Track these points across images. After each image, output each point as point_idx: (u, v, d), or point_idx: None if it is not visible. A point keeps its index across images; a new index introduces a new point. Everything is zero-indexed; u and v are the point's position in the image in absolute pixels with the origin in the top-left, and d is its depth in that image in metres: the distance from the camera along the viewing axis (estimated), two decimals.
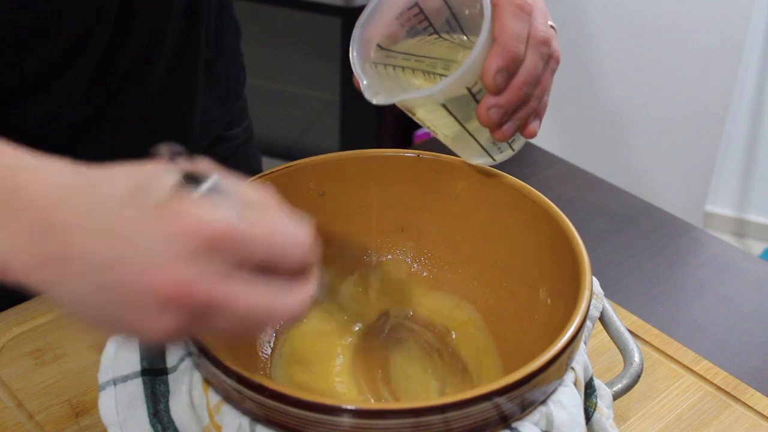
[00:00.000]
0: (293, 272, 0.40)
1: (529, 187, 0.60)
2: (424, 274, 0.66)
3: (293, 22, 1.81)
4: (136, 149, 0.73)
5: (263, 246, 0.39)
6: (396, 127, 1.74)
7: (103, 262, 0.37)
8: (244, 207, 0.39)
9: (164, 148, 0.39)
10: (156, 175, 0.39)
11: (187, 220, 0.37)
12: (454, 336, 0.62)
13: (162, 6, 0.67)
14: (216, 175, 0.39)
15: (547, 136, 2.03)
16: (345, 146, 1.80)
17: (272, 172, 0.61)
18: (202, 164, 0.40)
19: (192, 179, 0.39)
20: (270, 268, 0.39)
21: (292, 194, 0.62)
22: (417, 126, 0.60)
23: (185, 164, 0.39)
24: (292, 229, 0.40)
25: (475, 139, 0.58)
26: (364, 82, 0.56)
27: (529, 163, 0.97)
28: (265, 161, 0.99)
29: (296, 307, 0.40)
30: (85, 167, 0.40)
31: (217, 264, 0.37)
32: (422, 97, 0.54)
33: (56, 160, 0.41)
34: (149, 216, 0.37)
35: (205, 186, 0.39)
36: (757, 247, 2.21)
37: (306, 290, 0.41)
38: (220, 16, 0.78)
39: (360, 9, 0.57)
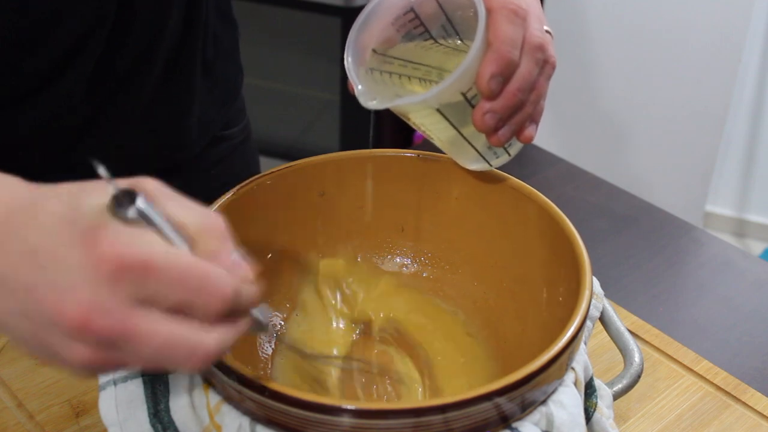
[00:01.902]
0: (213, 314, 0.38)
1: (529, 187, 0.60)
2: (424, 274, 0.66)
3: (293, 22, 1.81)
4: (135, 149, 0.73)
5: (180, 282, 0.37)
6: (396, 127, 1.74)
7: (20, 286, 0.37)
8: (181, 231, 0.38)
9: (101, 168, 0.38)
10: (92, 195, 0.38)
11: (100, 248, 0.36)
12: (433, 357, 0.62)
13: (161, 6, 0.67)
14: (150, 195, 0.38)
15: (547, 136, 2.03)
16: (345, 146, 1.80)
17: (272, 172, 0.61)
18: (145, 182, 0.39)
19: (126, 200, 0.37)
20: (190, 310, 0.38)
21: (292, 194, 0.62)
22: None
23: (127, 183, 0.38)
24: (218, 273, 0.38)
25: (471, 145, 0.58)
26: (359, 87, 0.56)
27: (529, 163, 0.97)
28: (265, 161, 0.99)
29: (223, 341, 0.38)
30: (35, 186, 0.40)
31: (132, 292, 0.36)
32: (417, 103, 0.53)
33: (7, 177, 0.40)
34: (67, 242, 0.37)
35: (131, 211, 0.37)
36: (757, 247, 2.21)
37: (227, 333, 0.39)
38: (218, 16, 0.78)
39: (360, 9, 0.57)
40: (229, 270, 0.39)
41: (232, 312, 0.39)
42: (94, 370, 0.38)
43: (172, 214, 0.38)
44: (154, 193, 0.39)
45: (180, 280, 0.37)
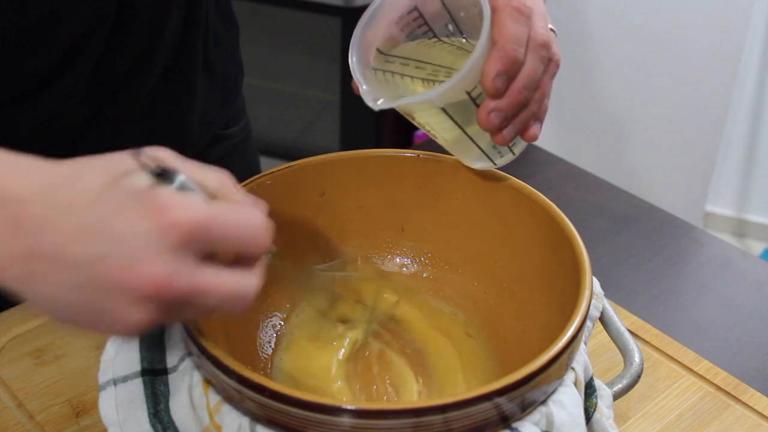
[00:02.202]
0: (255, 257, 0.42)
1: (529, 187, 0.60)
2: (424, 274, 0.66)
3: (293, 22, 1.81)
4: (135, 149, 0.73)
5: (235, 235, 0.40)
6: (396, 127, 1.74)
7: (79, 261, 0.38)
8: (210, 198, 0.41)
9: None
10: (129, 171, 0.39)
11: (168, 214, 0.38)
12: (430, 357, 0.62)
13: (161, 6, 0.67)
14: (182, 172, 0.41)
15: (547, 136, 2.03)
16: (345, 146, 1.80)
17: (272, 172, 0.61)
18: (164, 154, 0.41)
19: (163, 175, 0.40)
20: (236, 255, 0.41)
21: (292, 194, 0.62)
22: (417, 126, 0.60)
23: (152, 158, 0.40)
24: (256, 216, 0.42)
25: (476, 143, 0.58)
26: (364, 87, 0.56)
27: (529, 163, 0.97)
28: (265, 161, 0.99)
29: (254, 289, 0.42)
30: (59, 162, 0.40)
31: (194, 255, 0.39)
32: (422, 102, 0.53)
33: (31, 157, 0.41)
34: (126, 211, 0.38)
35: (177, 181, 0.40)
36: (757, 247, 2.21)
37: (258, 272, 0.43)
38: (218, 16, 0.78)
39: (360, 9, 0.57)
40: (256, 220, 0.42)
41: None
42: (148, 328, 0.40)
43: (196, 180, 0.41)
44: (172, 160, 0.41)
45: (234, 233, 0.40)
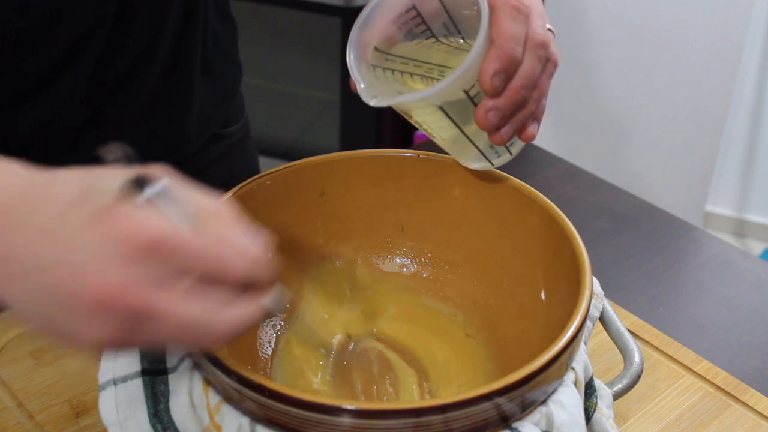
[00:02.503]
0: (237, 287, 0.39)
1: (529, 187, 0.60)
2: (424, 274, 0.66)
3: (293, 22, 1.81)
4: (134, 148, 0.73)
5: (202, 256, 0.38)
6: (396, 127, 1.74)
7: (38, 265, 0.37)
8: (193, 216, 0.39)
9: (112, 151, 0.39)
10: (103, 179, 0.38)
11: (124, 224, 0.37)
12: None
13: (161, 6, 0.67)
14: (164, 181, 0.39)
15: (547, 136, 2.03)
16: (345, 146, 1.80)
17: (272, 172, 0.61)
18: (156, 170, 0.39)
19: (139, 184, 0.38)
20: (213, 282, 0.39)
21: (292, 194, 0.62)
22: (416, 126, 0.60)
23: (136, 169, 0.39)
24: (239, 242, 0.39)
25: (473, 143, 0.58)
26: (362, 85, 0.56)
27: (529, 163, 0.97)
28: (265, 161, 0.99)
29: (233, 322, 0.39)
30: (40, 170, 0.40)
31: (153, 271, 0.37)
32: (419, 100, 0.53)
33: (10, 161, 0.41)
34: (90, 219, 0.37)
35: (150, 191, 0.38)
36: (757, 247, 2.21)
37: (247, 307, 0.40)
38: (217, 15, 0.78)
39: (360, 9, 0.57)
40: (239, 251, 0.39)
41: (244, 291, 0.40)
42: (109, 347, 0.38)
43: (182, 200, 0.39)
44: (163, 177, 0.39)
45: (201, 253, 0.38)
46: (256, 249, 0.40)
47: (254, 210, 0.59)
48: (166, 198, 0.38)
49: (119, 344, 0.38)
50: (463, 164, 0.61)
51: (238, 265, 0.39)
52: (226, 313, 0.39)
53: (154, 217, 0.37)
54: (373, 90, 0.56)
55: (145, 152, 0.80)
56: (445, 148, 0.61)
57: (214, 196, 0.41)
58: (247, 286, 0.40)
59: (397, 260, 0.66)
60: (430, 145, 0.67)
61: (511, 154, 0.60)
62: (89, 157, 0.68)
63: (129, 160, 0.39)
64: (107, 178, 0.38)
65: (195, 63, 0.74)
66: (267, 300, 0.42)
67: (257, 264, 0.40)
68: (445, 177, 0.63)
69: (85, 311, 0.37)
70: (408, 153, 0.64)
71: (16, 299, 0.39)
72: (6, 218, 0.38)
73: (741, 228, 2.25)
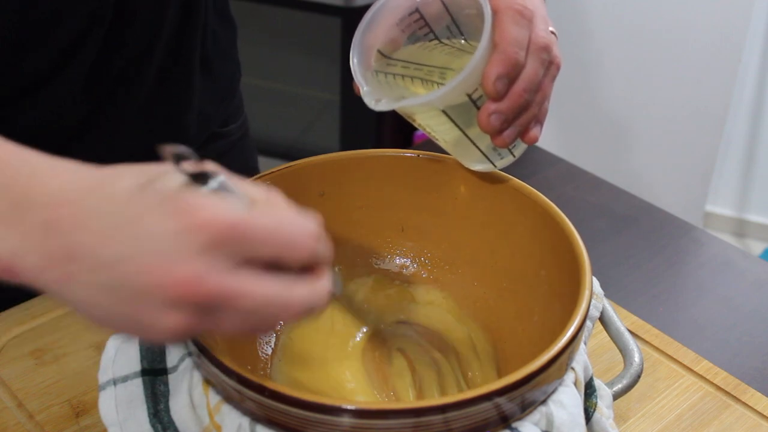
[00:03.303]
0: (303, 266, 0.40)
1: (530, 187, 0.60)
2: (424, 274, 0.66)
3: (293, 22, 1.82)
4: (134, 147, 0.73)
5: (272, 238, 0.39)
6: (396, 127, 1.74)
7: (108, 261, 0.37)
8: (251, 203, 0.39)
9: (169, 149, 0.39)
10: (163, 174, 0.39)
11: (194, 215, 0.37)
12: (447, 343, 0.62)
13: (159, 5, 0.67)
14: (221, 175, 0.39)
15: (547, 136, 2.03)
16: (345, 146, 1.80)
17: (272, 172, 0.61)
18: (208, 165, 0.40)
19: (199, 178, 0.39)
20: (280, 264, 0.39)
21: (292, 194, 0.62)
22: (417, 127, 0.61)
23: (191, 164, 0.39)
24: (301, 222, 0.40)
25: (476, 146, 0.58)
26: (365, 89, 0.56)
27: (529, 163, 0.97)
28: (265, 161, 0.99)
29: (308, 299, 0.40)
30: (95, 167, 0.40)
31: (225, 258, 0.37)
32: (422, 104, 0.53)
33: (64, 160, 0.41)
34: (156, 212, 0.37)
35: (212, 183, 0.39)
36: (757, 247, 2.21)
37: (318, 283, 0.41)
38: (216, 15, 0.78)
39: (360, 9, 0.57)
40: (301, 229, 0.40)
41: (314, 265, 0.41)
42: (185, 335, 0.39)
43: (240, 190, 0.40)
44: (216, 169, 0.40)
45: (270, 237, 0.38)
46: (314, 227, 0.41)
47: None
48: (226, 189, 0.39)
49: (196, 331, 0.39)
50: (466, 166, 0.62)
51: (305, 245, 0.40)
52: (300, 290, 0.40)
53: (221, 205, 0.38)
54: (376, 94, 0.56)
55: (143, 151, 0.80)
56: (448, 150, 0.61)
57: (261, 185, 0.42)
58: (307, 268, 0.41)
59: (397, 260, 0.66)
60: (430, 145, 0.67)
61: (514, 156, 0.60)
62: (88, 157, 0.68)
63: (184, 157, 0.39)
64: (166, 174, 0.39)
65: (194, 62, 0.74)
66: (328, 278, 0.42)
67: (317, 241, 0.41)
68: (445, 177, 0.63)
69: (161, 303, 0.37)
70: (408, 153, 0.64)
71: (85, 296, 0.39)
72: (66, 217, 0.38)
73: (741, 228, 2.25)
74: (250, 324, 0.39)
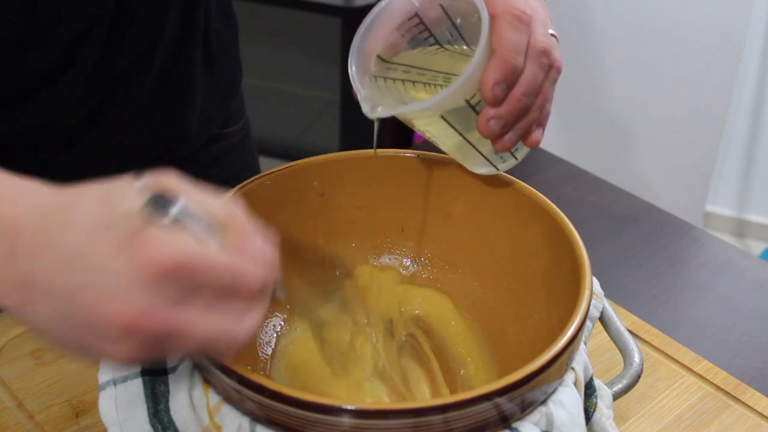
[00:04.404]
0: (252, 296, 0.41)
1: (530, 187, 0.60)
2: (424, 274, 0.66)
3: (293, 22, 1.82)
4: (135, 147, 0.73)
5: (223, 274, 0.39)
6: (396, 127, 1.74)
7: (63, 291, 0.38)
8: (212, 227, 0.39)
9: (131, 177, 0.39)
10: (123, 199, 0.39)
11: (146, 250, 0.37)
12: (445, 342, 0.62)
13: (160, 5, 0.67)
14: (182, 199, 0.39)
15: (547, 136, 2.02)
16: (345, 146, 1.80)
17: (272, 172, 0.61)
18: (169, 179, 0.40)
19: (160, 202, 0.38)
20: (233, 293, 0.40)
21: (292, 194, 0.62)
22: None
23: (153, 184, 0.39)
24: (257, 252, 0.40)
25: (477, 150, 0.58)
26: (363, 95, 0.55)
27: (529, 163, 0.96)
28: (265, 161, 0.99)
29: (253, 327, 0.41)
30: (59, 189, 0.41)
31: (176, 291, 0.38)
32: (420, 110, 0.53)
33: (28, 180, 0.41)
34: (108, 245, 0.38)
35: (173, 210, 0.38)
36: (757, 247, 2.21)
37: (260, 308, 0.41)
38: (219, 14, 0.78)
39: (360, 9, 0.57)
40: (257, 259, 0.41)
41: (258, 294, 0.41)
42: (136, 362, 0.39)
43: (200, 210, 0.40)
44: (178, 188, 0.40)
45: (222, 272, 0.39)
46: (268, 253, 0.41)
47: (254, 210, 0.59)
48: (187, 215, 0.39)
49: (146, 360, 0.39)
50: (469, 169, 0.61)
51: (256, 279, 0.40)
52: (246, 321, 0.41)
53: (178, 238, 0.38)
54: (374, 100, 0.55)
55: (144, 151, 0.80)
56: (451, 154, 0.61)
57: (221, 197, 0.42)
58: (257, 294, 0.41)
59: (397, 260, 0.66)
60: (430, 145, 0.67)
61: (516, 159, 0.60)
62: (89, 157, 0.68)
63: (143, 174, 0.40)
64: (127, 198, 0.39)
65: (195, 62, 0.74)
66: (275, 291, 0.43)
67: (273, 268, 0.41)
68: (445, 177, 0.63)
69: (112, 335, 0.38)
70: (408, 153, 0.64)
71: (41, 322, 0.39)
72: (26, 243, 0.39)
73: (741, 228, 2.25)
74: (199, 353, 0.40)
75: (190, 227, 0.39)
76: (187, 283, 0.38)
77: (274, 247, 0.42)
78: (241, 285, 0.40)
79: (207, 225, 0.39)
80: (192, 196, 0.40)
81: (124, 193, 0.39)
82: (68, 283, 0.38)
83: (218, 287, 0.39)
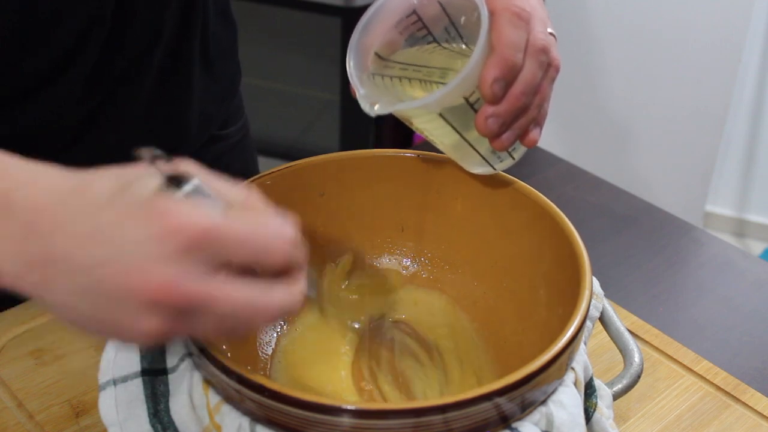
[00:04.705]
0: (278, 271, 0.41)
1: (529, 187, 0.60)
2: (424, 274, 0.66)
3: (293, 22, 1.82)
4: (133, 148, 0.73)
5: (246, 244, 0.39)
6: (396, 127, 1.74)
7: (86, 265, 0.38)
8: (227, 207, 0.40)
9: (145, 152, 0.39)
10: (139, 178, 0.39)
11: (168, 220, 0.37)
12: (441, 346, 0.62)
13: (159, 6, 0.67)
14: (198, 177, 0.39)
15: (547, 136, 2.03)
16: (345, 146, 1.80)
17: (272, 172, 0.61)
18: (186, 166, 0.40)
19: (174, 182, 0.39)
20: (255, 268, 0.40)
21: (292, 194, 0.62)
22: None
23: (168, 166, 0.39)
24: (276, 226, 0.40)
25: (475, 149, 0.58)
26: (361, 92, 0.55)
27: (529, 163, 0.97)
28: (265, 161, 0.99)
29: (284, 303, 0.40)
30: (74, 171, 0.41)
31: (200, 263, 0.38)
32: (418, 107, 0.53)
33: (46, 164, 0.41)
34: (131, 217, 0.38)
35: (187, 187, 0.39)
36: (757, 247, 2.21)
37: (293, 287, 0.41)
38: (217, 15, 0.78)
39: (360, 9, 0.57)
40: (278, 235, 0.40)
41: (289, 269, 0.41)
42: (163, 339, 0.39)
43: (216, 193, 0.40)
44: (193, 171, 0.40)
45: (245, 242, 0.39)
46: (290, 232, 0.41)
47: None
48: (202, 193, 0.39)
49: (173, 335, 0.39)
50: (466, 169, 0.61)
51: (280, 250, 0.40)
52: (276, 293, 0.40)
53: (194, 210, 0.38)
54: (373, 97, 0.55)
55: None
56: (448, 153, 0.61)
57: (238, 185, 0.42)
58: (283, 272, 0.41)
59: (397, 260, 0.66)
60: (430, 145, 0.67)
61: (513, 158, 0.60)
62: (89, 157, 0.68)
63: (160, 159, 0.39)
64: (142, 178, 0.39)
65: (194, 63, 0.74)
66: (303, 282, 0.43)
67: (295, 246, 0.41)
68: (445, 177, 0.63)
69: (137, 307, 0.37)
70: (408, 153, 0.64)
71: (59, 301, 0.39)
72: (46, 221, 0.38)
73: (741, 228, 2.25)
74: (226, 327, 0.39)
75: (206, 204, 0.39)
76: (212, 252, 0.38)
77: (296, 231, 0.41)
78: (265, 256, 0.39)
79: (222, 204, 0.40)
80: (208, 181, 0.40)
81: (138, 173, 0.39)
82: (93, 256, 0.37)
83: (243, 256, 0.39)
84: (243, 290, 0.39)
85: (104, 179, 0.39)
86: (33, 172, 0.41)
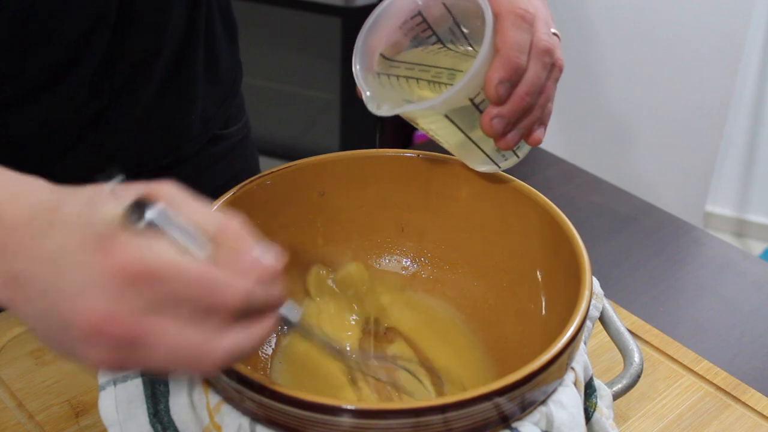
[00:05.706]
0: (235, 314, 0.39)
1: (530, 187, 0.60)
2: (424, 274, 0.66)
3: (293, 22, 1.82)
4: (137, 147, 0.73)
5: (192, 284, 0.37)
6: (396, 127, 1.74)
7: (41, 290, 0.38)
8: (195, 236, 0.39)
9: (107, 179, 0.39)
10: (106, 203, 0.39)
11: (114, 255, 0.37)
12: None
13: (162, 7, 0.67)
14: (165, 205, 0.38)
15: (548, 136, 2.02)
16: (345, 146, 1.80)
17: (272, 172, 0.61)
18: (161, 188, 0.39)
19: (140, 208, 0.38)
20: (211, 309, 0.38)
21: (292, 194, 0.62)
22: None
23: (140, 189, 0.39)
24: (241, 263, 0.39)
25: (480, 148, 0.58)
26: (367, 94, 0.56)
27: (529, 163, 0.97)
28: (265, 161, 0.99)
29: (235, 348, 0.39)
30: (58, 188, 0.41)
31: (145, 299, 0.37)
32: (425, 109, 0.54)
33: (34, 179, 0.42)
34: (84, 247, 0.38)
35: (149, 215, 0.38)
36: (757, 247, 2.21)
37: (254, 328, 0.40)
38: (218, 15, 0.78)
39: (360, 9, 0.57)
40: (249, 269, 0.39)
41: (250, 313, 0.39)
42: (108, 369, 0.39)
43: (189, 219, 0.39)
44: (171, 198, 0.39)
45: (191, 282, 0.37)
46: (264, 265, 0.39)
47: (254, 210, 0.59)
48: (166, 222, 0.38)
49: (116, 367, 0.39)
50: (471, 167, 0.62)
51: (233, 292, 0.38)
52: (223, 341, 0.38)
53: (150, 244, 0.37)
54: (379, 98, 0.56)
55: (146, 152, 0.80)
56: (452, 152, 0.61)
57: (220, 212, 0.41)
58: (250, 312, 0.39)
59: (397, 260, 0.66)
60: (430, 145, 0.67)
61: (518, 157, 0.60)
62: (90, 158, 0.68)
63: (121, 186, 0.39)
64: (108, 203, 0.39)
65: (198, 65, 0.74)
66: (283, 310, 0.42)
67: (263, 282, 0.39)
68: (445, 177, 0.63)
69: (82, 337, 0.38)
70: (408, 153, 0.64)
71: (27, 320, 0.40)
72: (14, 242, 0.39)
73: (741, 228, 2.25)
74: (176, 365, 0.38)
75: (171, 234, 0.38)
76: (156, 291, 0.37)
77: (278, 261, 0.40)
78: (216, 298, 0.38)
79: (191, 234, 0.38)
80: (182, 206, 0.39)
81: (109, 198, 0.39)
82: (43, 282, 0.38)
83: (189, 298, 0.37)
84: (185, 332, 0.38)
85: (76, 200, 0.39)
86: (16, 186, 0.41)
